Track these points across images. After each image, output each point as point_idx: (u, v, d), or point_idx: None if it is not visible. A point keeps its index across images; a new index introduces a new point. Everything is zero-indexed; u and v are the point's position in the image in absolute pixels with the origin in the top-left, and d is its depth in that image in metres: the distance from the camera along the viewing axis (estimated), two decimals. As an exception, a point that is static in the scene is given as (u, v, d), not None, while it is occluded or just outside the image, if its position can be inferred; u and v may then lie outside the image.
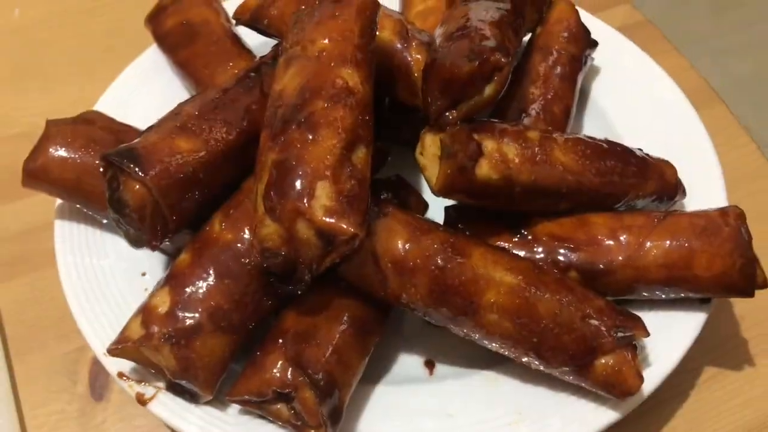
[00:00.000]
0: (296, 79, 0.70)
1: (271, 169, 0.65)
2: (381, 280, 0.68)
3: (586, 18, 1.02)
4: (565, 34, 0.93)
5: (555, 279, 0.69)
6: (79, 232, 0.83)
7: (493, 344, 0.68)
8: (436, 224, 0.71)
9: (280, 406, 0.67)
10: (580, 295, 0.68)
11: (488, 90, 0.72)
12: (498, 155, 0.71)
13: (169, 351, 0.66)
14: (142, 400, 0.70)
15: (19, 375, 0.83)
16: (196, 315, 0.67)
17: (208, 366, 0.67)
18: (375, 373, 0.74)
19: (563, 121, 0.87)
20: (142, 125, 0.87)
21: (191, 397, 0.69)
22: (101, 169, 0.69)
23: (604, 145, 0.78)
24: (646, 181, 0.78)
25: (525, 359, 0.68)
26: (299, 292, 0.67)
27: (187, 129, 0.72)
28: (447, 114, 0.73)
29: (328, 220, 0.62)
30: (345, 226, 0.62)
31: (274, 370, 0.66)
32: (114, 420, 0.80)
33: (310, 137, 0.65)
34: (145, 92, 0.96)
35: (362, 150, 0.68)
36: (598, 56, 0.98)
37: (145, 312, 0.68)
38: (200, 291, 0.68)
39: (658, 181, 0.79)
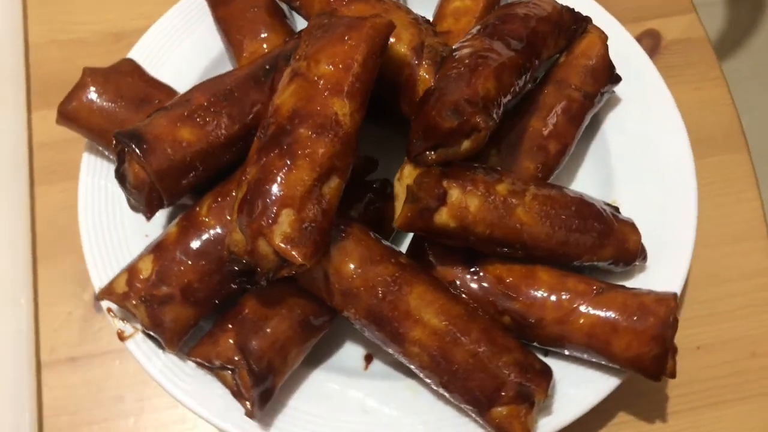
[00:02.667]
0: (292, 99, 0.76)
1: (250, 183, 0.73)
2: (328, 295, 0.78)
3: (621, 36, 1.02)
4: (588, 70, 0.93)
5: (481, 328, 0.77)
6: (103, 161, 0.95)
7: (413, 367, 0.78)
8: (391, 253, 0.79)
9: (226, 373, 0.80)
10: (500, 346, 0.76)
11: (465, 145, 0.76)
12: (460, 206, 0.77)
13: (144, 310, 0.79)
14: (121, 337, 0.84)
15: (41, 273, 0.99)
16: (170, 287, 0.78)
17: (174, 329, 0.80)
18: (316, 357, 0.86)
19: (555, 160, 0.91)
20: (178, 75, 0.96)
21: (159, 345, 0.82)
22: (113, 143, 0.79)
23: (573, 207, 0.82)
24: (603, 247, 0.83)
25: (436, 388, 0.78)
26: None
27: (192, 119, 0.80)
28: (426, 153, 0.78)
29: (283, 246, 0.71)
30: (296, 255, 0.71)
31: (224, 348, 0.78)
32: (108, 331, 0.95)
33: (288, 164, 0.72)
34: (184, 39, 1.03)
35: (335, 181, 0.75)
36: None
37: (131, 272, 0.80)
38: (178, 267, 0.79)
39: (616, 248, 0.83)
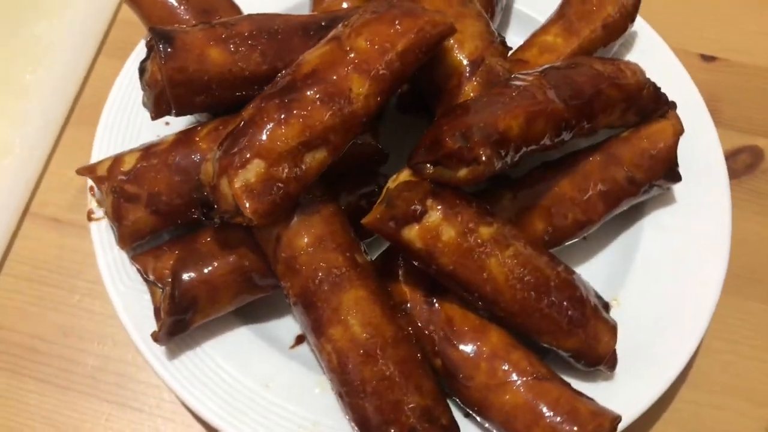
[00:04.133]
0: (317, 60, 0.74)
1: (242, 120, 0.72)
2: (273, 259, 0.76)
3: (705, 136, 0.93)
4: (645, 156, 0.85)
5: (402, 357, 0.72)
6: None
7: (321, 364, 0.75)
8: (350, 247, 0.75)
9: (157, 290, 0.80)
10: (413, 384, 0.72)
11: (462, 172, 0.71)
12: (433, 230, 0.72)
13: (111, 200, 0.80)
14: (90, 216, 0.86)
15: (66, 134, 1.03)
16: (140, 189, 0.79)
17: (130, 228, 0.80)
18: (251, 314, 0.84)
19: (570, 231, 0.84)
20: (258, 5, 0.96)
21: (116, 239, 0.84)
22: (148, 37, 0.80)
23: (553, 282, 0.75)
24: (569, 336, 0.76)
25: (335, 395, 0.75)
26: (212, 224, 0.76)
27: (227, 43, 0.79)
28: (426, 165, 0.74)
29: (240, 192, 0.69)
30: (247, 207, 0.69)
31: (162, 266, 0.78)
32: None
33: (281, 119, 0.71)
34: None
35: (322, 153, 0.72)
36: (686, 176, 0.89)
37: (115, 161, 0.81)
38: (155, 173, 0.79)
39: (583, 343, 0.76)
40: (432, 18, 0.75)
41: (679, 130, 0.87)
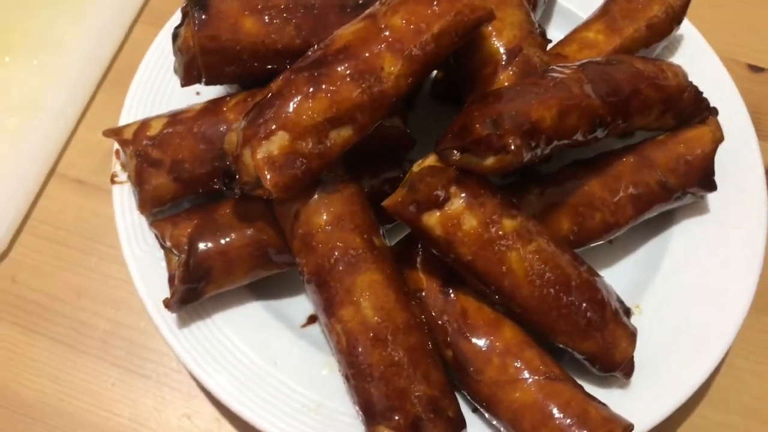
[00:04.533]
0: (351, 36, 0.72)
1: (270, 92, 0.71)
2: (290, 235, 0.75)
3: (745, 145, 0.90)
4: (681, 162, 0.83)
5: (412, 345, 0.71)
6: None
7: (330, 345, 0.74)
8: (368, 229, 0.74)
9: (173, 257, 0.79)
10: (421, 373, 0.70)
11: (489, 161, 0.70)
12: (454, 218, 0.71)
13: (135, 164, 0.80)
14: (113, 179, 0.86)
15: (99, 97, 1.03)
16: (165, 154, 0.79)
17: (152, 193, 0.80)
18: (265, 290, 0.83)
19: (596, 233, 0.81)
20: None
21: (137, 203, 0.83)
22: (185, 3, 0.79)
23: (574, 282, 0.73)
24: (586, 339, 0.74)
25: (342, 377, 0.74)
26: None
27: (262, 13, 0.78)
28: (453, 151, 0.72)
29: (261, 164, 0.68)
30: (268, 178, 0.68)
31: (179, 233, 0.77)
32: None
33: (309, 92, 0.70)
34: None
35: (348, 131, 0.71)
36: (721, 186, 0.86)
37: (142, 125, 0.81)
38: (180, 140, 0.79)
39: (600, 347, 0.74)
40: (471, 2, 0.73)
41: (719, 138, 0.84)
